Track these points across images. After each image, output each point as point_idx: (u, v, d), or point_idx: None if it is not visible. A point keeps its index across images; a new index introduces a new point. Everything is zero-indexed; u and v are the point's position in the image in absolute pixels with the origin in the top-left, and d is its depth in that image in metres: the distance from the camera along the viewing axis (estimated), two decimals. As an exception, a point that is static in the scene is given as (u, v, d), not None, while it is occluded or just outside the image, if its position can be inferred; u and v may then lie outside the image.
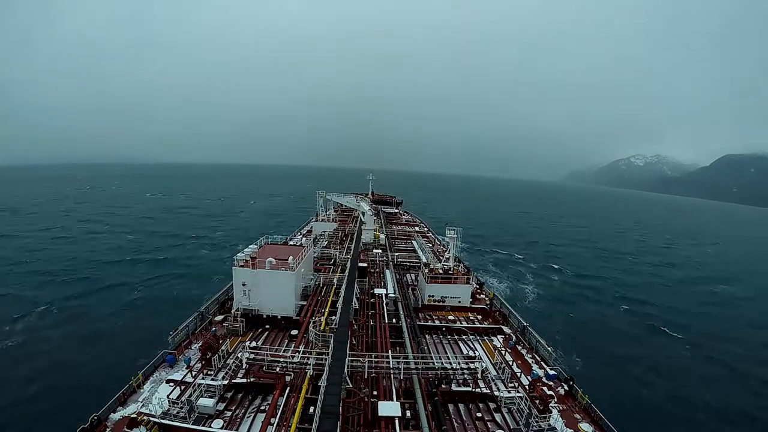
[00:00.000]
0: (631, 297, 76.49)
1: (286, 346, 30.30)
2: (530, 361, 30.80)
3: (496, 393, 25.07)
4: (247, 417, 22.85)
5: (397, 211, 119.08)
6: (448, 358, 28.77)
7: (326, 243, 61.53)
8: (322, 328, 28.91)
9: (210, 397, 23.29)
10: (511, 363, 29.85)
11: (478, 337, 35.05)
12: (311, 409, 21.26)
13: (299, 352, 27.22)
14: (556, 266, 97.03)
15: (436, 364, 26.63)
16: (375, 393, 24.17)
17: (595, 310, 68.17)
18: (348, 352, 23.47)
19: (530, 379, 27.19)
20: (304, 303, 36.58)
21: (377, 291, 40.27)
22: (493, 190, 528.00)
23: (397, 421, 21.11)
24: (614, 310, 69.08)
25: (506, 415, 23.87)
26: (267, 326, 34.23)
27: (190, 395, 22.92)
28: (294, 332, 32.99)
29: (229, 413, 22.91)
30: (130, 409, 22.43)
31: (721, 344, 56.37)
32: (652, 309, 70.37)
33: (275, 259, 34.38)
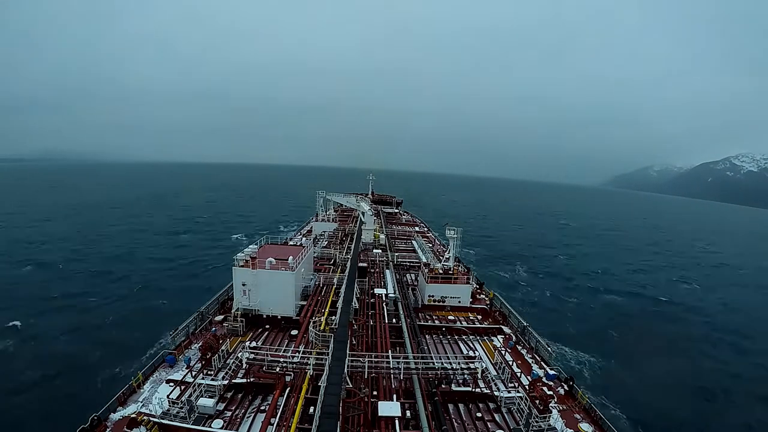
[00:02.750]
0: None
1: (286, 346, 30.28)
2: (530, 361, 30.80)
3: (496, 393, 25.07)
4: (247, 417, 22.84)
5: (397, 211, 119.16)
6: (448, 358, 28.76)
7: (326, 243, 61.54)
8: (322, 328, 28.91)
9: (210, 397, 23.28)
10: (511, 363, 29.84)
11: (478, 337, 35.06)
12: (311, 409, 21.26)
13: (299, 352, 27.25)
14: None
15: (436, 364, 26.62)
16: (375, 393, 24.16)
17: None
18: (348, 352, 23.47)
19: (530, 379, 27.14)
20: (304, 303, 36.56)
21: (377, 291, 40.27)
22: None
23: (397, 421, 21.10)
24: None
25: (506, 415, 23.87)
26: (267, 326, 34.23)
27: (190, 395, 22.91)
28: (294, 332, 32.99)
29: (229, 413, 22.89)
30: (130, 409, 22.41)
31: None
32: None
33: (275, 259, 34.37)
